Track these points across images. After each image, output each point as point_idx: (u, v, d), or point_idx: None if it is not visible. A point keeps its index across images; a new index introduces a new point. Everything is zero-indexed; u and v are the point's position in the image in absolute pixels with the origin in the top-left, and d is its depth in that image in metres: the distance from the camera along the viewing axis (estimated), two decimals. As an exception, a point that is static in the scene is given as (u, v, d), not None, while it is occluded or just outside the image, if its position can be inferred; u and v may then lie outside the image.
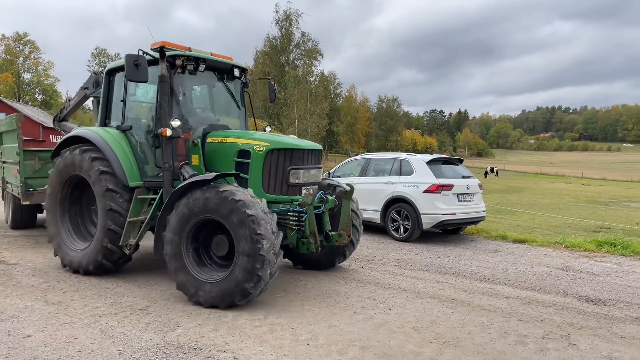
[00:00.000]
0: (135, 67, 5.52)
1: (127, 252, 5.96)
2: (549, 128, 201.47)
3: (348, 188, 6.24)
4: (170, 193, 5.43)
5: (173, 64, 5.94)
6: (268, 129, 7.40)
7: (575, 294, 5.95)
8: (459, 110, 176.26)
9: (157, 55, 5.85)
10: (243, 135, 6.09)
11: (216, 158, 6.00)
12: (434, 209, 9.37)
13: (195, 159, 5.98)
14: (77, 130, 6.76)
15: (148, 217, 5.89)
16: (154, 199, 5.98)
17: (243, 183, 5.68)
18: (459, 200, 9.67)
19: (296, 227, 5.69)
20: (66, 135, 6.89)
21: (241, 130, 6.84)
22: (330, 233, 6.12)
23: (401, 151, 8.61)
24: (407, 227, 9.63)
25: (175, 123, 5.69)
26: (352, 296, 5.66)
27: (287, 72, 48.92)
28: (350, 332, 4.47)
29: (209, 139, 6.08)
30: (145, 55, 5.71)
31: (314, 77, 53.62)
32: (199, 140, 6.04)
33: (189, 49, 6.22)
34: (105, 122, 6.73)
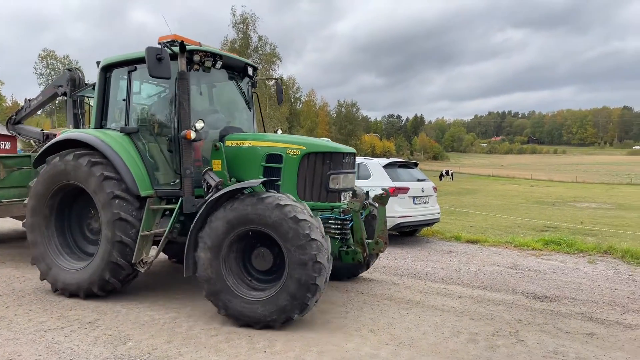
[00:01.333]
0: (157, 62, 4.95)
1: (141, 269, 5.30)
2: (500, 132, 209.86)
3: (384, 193, 5.88)
4: (190, 202, 5.09)
5: (190, 60, 5.39)
6: (279, 131, 6.96)
7: (523, 292, 6.21)
8: (415, 115, 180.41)
9: (166, 49, 5.23)
10: (271, 138, 5.66)
11: (239, 163, 5.53)
12: (390, 212, 9.51)
13: (217, 165, 5.44)
14: (68, 134, 6.00)
15: (167, 229, 5.23)
16: (168, 210, 5.48)
17: (274, 189, 5.15)
18: (414, 203, 9.90)
19: (339, 236, 5.36)
20: (53, 140, 6.10)
21: (253, 132, 6.41)
22: (366, 241, 5.66)
23: (360, 155, 8.81)
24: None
25: (199, 125, 5.19)
26: (310, 301, 5.64)
27: (245, 76, 48.41)
28: (308, 337, 4.46)
29: (227, 142, 5.59)
30: (167, 49, 5.19)
31: (272, 82, 53.46)
32: (221, 144, 5.51)
33: (200, 45, 5.75)
34: (101, 123, 6.03)
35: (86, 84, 7.99)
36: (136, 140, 5.70)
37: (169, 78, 5.21)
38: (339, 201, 5.52)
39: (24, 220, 6.09)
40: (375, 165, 10.21)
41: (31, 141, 9.71)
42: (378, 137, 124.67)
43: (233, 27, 52.07)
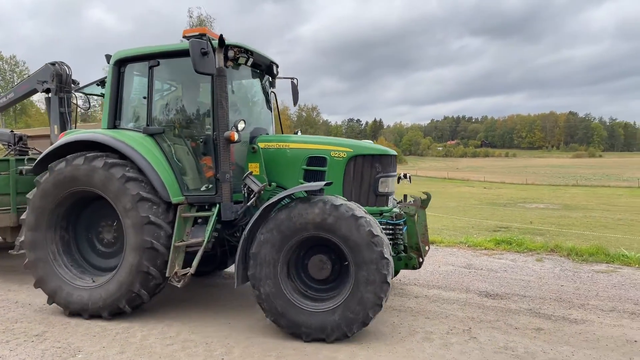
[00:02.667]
0: (202, 57, 4.56)
1: (177, 284, 4.77)
2: (455, 136, 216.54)
3: (425, 196, 5.66)
4: (229, 209, 4.86)
5: (225, 56, 5.00)
6: (299, 132, 6.70)
7: (476, 290, 6.43)
8: (375, 119, 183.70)
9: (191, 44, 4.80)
10: (313, 140, 5.47)
11: (276, 166, 5.32)
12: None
13: (254, 168, 5.24)
14: (77, 135, 5.36)
15: (206, 239, 4.83)
16: (200, 218, 5.09)
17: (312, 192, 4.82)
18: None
19: (391, 242, 5.13)
20: (56, 143, 5.45)
21: (273, 134, 6.13)
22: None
23: None
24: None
25: (241, 125, 4.91)
26: (269, 306, 5.61)
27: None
28: (266, 342, 4.44)
29: (261, 144, 5.36)
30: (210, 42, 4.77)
31: (232, 84, 52.91)
32: (258, 146, 5.32)
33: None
34: (114, 123, 5.50)
35: (73, 81, 7.35)
36: (161, 142, 5.25)
37: (213, 74, 4.79)
38: (387, 205, 5.39)
39: (19, 238, 5.38)
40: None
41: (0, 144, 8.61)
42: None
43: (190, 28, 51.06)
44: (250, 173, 5.11)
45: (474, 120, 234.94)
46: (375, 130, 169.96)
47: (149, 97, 5.25)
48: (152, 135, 5.23)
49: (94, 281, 5.14)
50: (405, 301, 5.87)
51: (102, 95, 6.99)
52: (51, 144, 7.01)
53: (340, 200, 4.47)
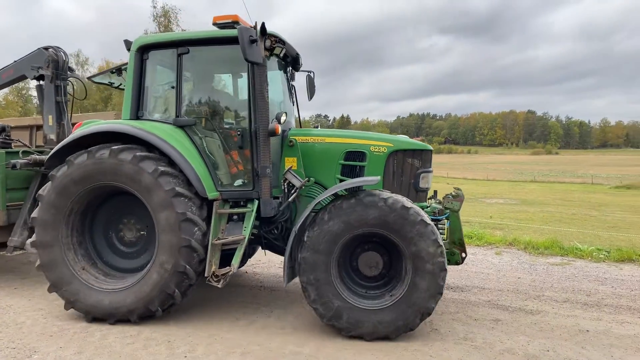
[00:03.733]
0: (251, 45, 4.32)
1: (218, 284, 4.52)
2: (420, 133, 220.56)
3: (461, 193, 5.53)
4: (270, 205, 4.72)
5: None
6: (319, 126, 6.43)
7: (438, 284, 6.59)
8: (342, 115, 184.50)
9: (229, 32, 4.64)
10: (351, 135, 5.34)
11: (312, 160, 5.17)
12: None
13: (291, 162, 5.08)
14: (104, 125, 4.94)
15: (247, 235, 4.62)
16: (234, 215, 4.88)
17: (354, 189, 4.68)
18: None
19: None
20: (75, 134, 4.96)
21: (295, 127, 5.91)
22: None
23: None
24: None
25: (284, 118, 4.79)
26: (234, 302, 5.58)
27: (167, 71, 46.59)
28: (231, 339, 4.41)
29: (298, 139, 5.19)
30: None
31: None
32: (295, 140, 5.15)
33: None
34: (137, 114, 5.16)
35: (69, 68, 6.80)
36: (192, 134, 4.97)
37: (260, 64, 4.51)
38: (425, 201, 5.37)
39: (31, 239, 4.92)
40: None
41: None
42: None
43: (154, 20, 49.75)
44: (291, 168, 5.02)
45: (438, 117, 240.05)
46: (342, 126, 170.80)
47: (178, 87, 4.97)
48: (182, 127, 4.97)
49: (119, 284, 4.80)
50: (370, 295, 5.96)
51: (110, 84, 6.64)
52: (44, 135, 6.64)
53: (382, 193, 4.43)
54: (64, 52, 6.74)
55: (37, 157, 6.03)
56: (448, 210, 5.23)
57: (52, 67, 6.49)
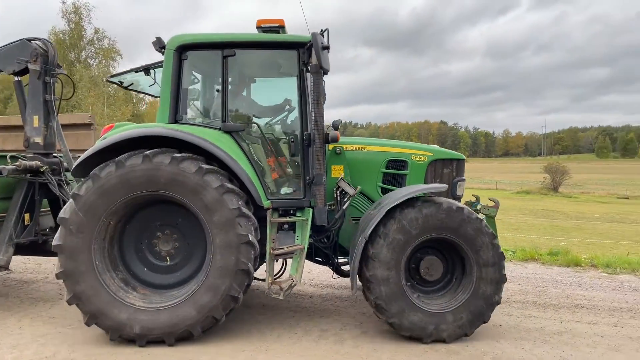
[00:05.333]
0: (323, 52, 4.32)
1: (280, 296, 4.41)
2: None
3: (493, 204, 5.53)
4: (324, 213, 4.72)
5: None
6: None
7: (365, 287, 6.82)
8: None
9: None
10: (391, 144, 5.53)
11: (355, 169, 5.21)
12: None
13: (338, 170, 5.10)
14: (149, 129, 4.58)
15: (306, 245, 4.57)
16: (285, 224, 4.79)
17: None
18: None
19: None
20: (114, 138, 4.47)
21: None
22: None
23: None
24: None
25: (337, 122, 4.94)
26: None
27: (77, 70, 43.51)
28: (159, 354, 4.25)
29: (344, 147, 5.21)
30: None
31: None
32: (342, 148, 5.14)
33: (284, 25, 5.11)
34: (175, 118, 4.83)
35: (58, 64, 6.02)
36: (240, 140, 4.77)
37: (328, 71, 4.53)
38: None
39: (58, 269, 4.34)
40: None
41: None
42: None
43: (63, 16, 46.36)
44: (343, 176, 5.09)
45: (360, 126, 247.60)
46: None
47: (224, 90, 4.77)
48: (229, 132, 4.76)
49: (150, 303, 4.41)
50: (301, 301, 6.02)
51: (120, 84, 5.99)
52: (26, 138, 5.76)
53: (441, 199, 4.64)
54: (53, 46, 6.00)
55: (27, 162, 5.46)
56: (485, 217, 5.37)
57: (41, 62, 5.73)
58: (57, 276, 4.36)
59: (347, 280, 7.17)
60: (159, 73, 5.38)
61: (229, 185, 4.37)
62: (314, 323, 5.16)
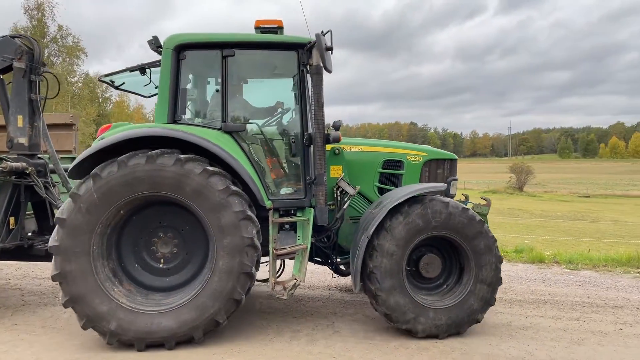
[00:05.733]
0: (326, 53, 4.40)
1: (284, 296, 4.41)
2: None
3: (485, 203, 5.59)
4: (325, 213, 4.76)
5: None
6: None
7: (337, 287, 6.87)
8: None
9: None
10: (387, 144, 5.64)
11: (352, 169, 5.30)
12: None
13: (337, 170, 5.16)
14: (149, 129, 4.47)
15: (308, 243, 4.64)
16: (285, 224, 4.82)
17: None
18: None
19: None
20: (115, 137, 4.33)
21: None
22: None
23: None
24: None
25: (339, 122, 4.97)
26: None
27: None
28: (130, 357, 4.14)
29: (343, 147, 5.28)
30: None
31: (76, 78, 47.56)
32: (341, 148, 5.22)
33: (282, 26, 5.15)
34: (174, 118, 4.75)
35: (43, 62, 5.75)
36: (240, 140, 4.76)
37: (330, 72, 4.58)
38: None
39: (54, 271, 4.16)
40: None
41: None
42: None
43: (25, 12, 44.79)
44: (343, 176, 5.14)
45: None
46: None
47: (224, 90, 4.75)
48: (229, 133, 4.73)
49: (150, 306, 4.32)
50: (273, 302, 6.00)
51: (111, 83, 5.81)
52: (9, 138, 5.50)
53: (450, 199, 4.75)
54: (37, 43, 5.73)
55: (13, 164, 5.25)
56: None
57: (26, 59, 5.50)
58: (53, 278, 4.20)
59: (319, 281, 7.21)
60: (155, 74, 5.40)
61: (234, 188, 4.34)
62: (287, 324, 5.15)
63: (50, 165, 5.76)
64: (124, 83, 5.89)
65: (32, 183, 5.47)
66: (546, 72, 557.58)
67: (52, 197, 5.55)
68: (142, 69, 5.55)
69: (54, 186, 5.72)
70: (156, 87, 5.21)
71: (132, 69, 5.63)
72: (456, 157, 5.86)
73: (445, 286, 4.91)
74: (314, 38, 4.54)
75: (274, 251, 4.51)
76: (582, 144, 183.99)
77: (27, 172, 5.43)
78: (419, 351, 4.41)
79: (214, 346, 4.46)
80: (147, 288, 4.55)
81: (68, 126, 7.66)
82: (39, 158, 5.75)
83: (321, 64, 4.49)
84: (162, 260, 4.61)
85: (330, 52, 4.54)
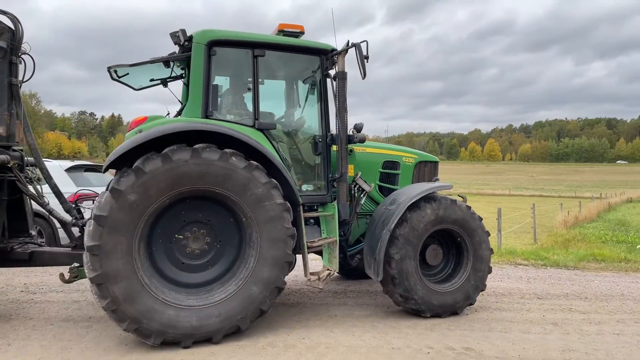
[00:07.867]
0: (363, 61, 4.83)
1: (320, 285, 4.90)
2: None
3: (462, 199, 5.78)
4: (347, 208, 5.29)
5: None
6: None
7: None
8: (113, 114, 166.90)
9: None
10: (385, 147, 6.16)
11: (358, 168, 5.74)
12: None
13: (350, 170, 5.52)
14: (192, 123, 4.54)
15: (337, 236, 5.07)
16: (310, 219, 5.18)
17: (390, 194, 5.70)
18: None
19: None
20: (164, 128, 4.24)
21: None
22: None
23: (43, 157, 7.33)
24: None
25: (360, 125, 5.31)
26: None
27: None
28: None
29: (353, 148, 5.67)
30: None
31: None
32: (352, 149, 5.62)
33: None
34: (207, 113, 4.77)
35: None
36: (270, 138, 4.97)
37: (345, 77, 5.05)
38: None
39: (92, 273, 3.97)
40: (56, 167, 8.96)
41: None
42: (66, 135, 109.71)
43: None
44: (360, 174, 5.62)
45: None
46: (113, 126, 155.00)
47: (255, 89, 4.93)
48: (262, 130, 4.91)
49: (188, 301, 4.35)
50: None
51: (115, 73, 5.33)
52: None
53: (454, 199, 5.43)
54: (19, 21, 4.93)
55: (3, 157, 4.70)
56: None
57: (7, 38, 4.76)
58: (92, 280, 4.02)
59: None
60: (153, 71, 5.51)
61: (275, 181, 4.53)
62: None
63: (28, 158, 5.12)
64: (127, 74, 5.52)
65: (14, 178, 4.85)
66: (421, 81, 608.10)
67: (36, 194, 4.98)
68: (167, 61, 5.35)
69: (32, 182, 5.13)
70: (169, 80, 5.54)
71: (153, 61, 5.33)
72: (437, 159, 6.55)
73: (443, 273, 5.58)
74: (332, 45, 5.23)
75: (308, 244, 4.83)
76: (447, 147, 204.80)
77: (9, 166, 4.74)
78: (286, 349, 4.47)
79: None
80: (183, 284, 4.52)
81: None
82: (14, 150, 5.00)
83: (346, 70, 5.04)
84: (197, 254, 4.58)
85: (366, 60, 4.89)
